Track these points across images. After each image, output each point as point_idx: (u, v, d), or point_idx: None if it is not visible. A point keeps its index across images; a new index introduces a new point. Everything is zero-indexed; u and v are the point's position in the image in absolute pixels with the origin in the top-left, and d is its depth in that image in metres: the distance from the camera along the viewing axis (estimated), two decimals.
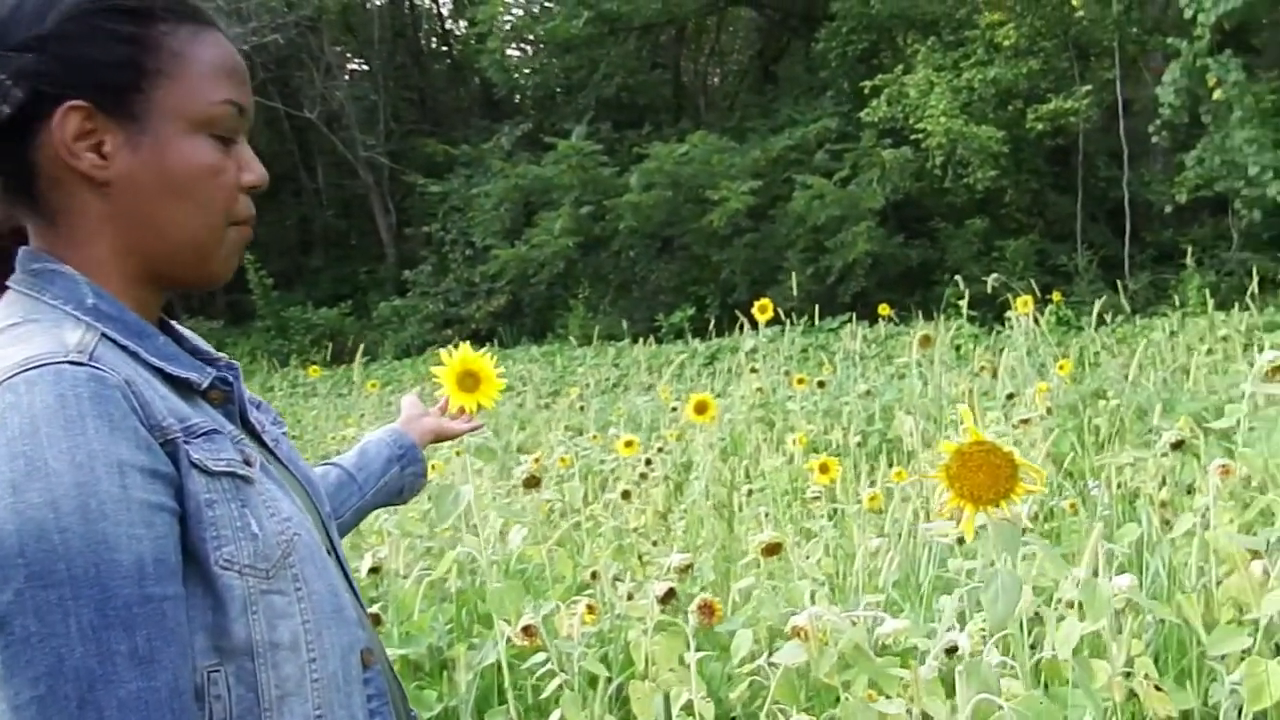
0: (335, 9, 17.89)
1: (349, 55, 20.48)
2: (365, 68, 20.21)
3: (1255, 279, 6.75)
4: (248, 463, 0.79)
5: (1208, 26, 9.64)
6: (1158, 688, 1.92)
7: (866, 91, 12.84)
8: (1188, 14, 9.74)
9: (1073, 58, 12.40)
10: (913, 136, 12.11)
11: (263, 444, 0.89)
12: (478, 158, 16.04)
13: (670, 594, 2.25)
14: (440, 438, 1.35)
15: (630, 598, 2.64)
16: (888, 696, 1.97)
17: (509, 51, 17.85)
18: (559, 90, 17.55)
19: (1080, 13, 11.83)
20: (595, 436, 5.20)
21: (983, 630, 1.81)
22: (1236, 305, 7.41)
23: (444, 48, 22.33)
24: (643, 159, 13.54)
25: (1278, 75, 11.26)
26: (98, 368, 0.71)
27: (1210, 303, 7.09)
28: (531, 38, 17.03)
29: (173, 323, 0.88)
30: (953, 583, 2.96)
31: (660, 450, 4.59)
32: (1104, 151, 12.71)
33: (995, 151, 11.45)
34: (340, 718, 0.80)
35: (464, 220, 15.27)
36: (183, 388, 0.80)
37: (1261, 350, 5.81)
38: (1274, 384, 2.44)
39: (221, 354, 0.91)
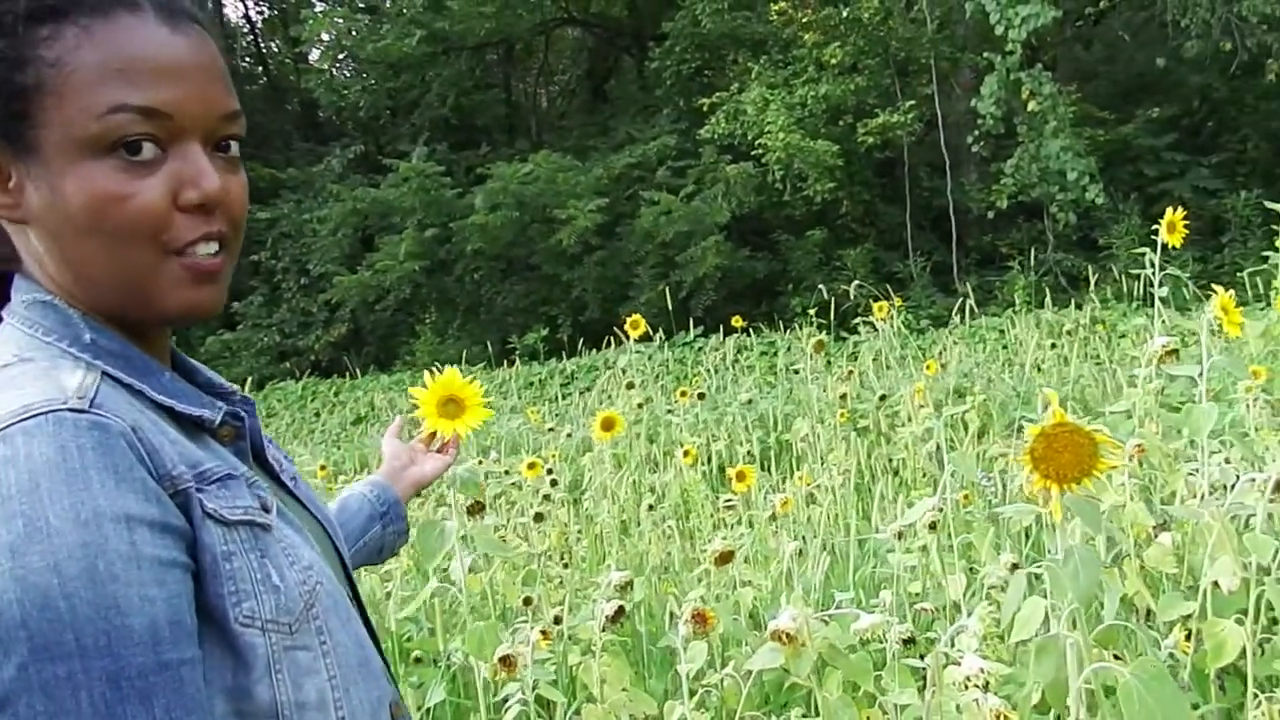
0: None
1: None
2: None
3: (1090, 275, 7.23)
4: (265, 509, 0.72)
5: (1018, 42, 10.43)
6: (1117, 656, 1.96)
7: (705, 109, 13.14)
8: (999, 30, 10.50)
9: (894, 74, 13.13)
10: (753, 152, 12.46)
11: (279, 483, 0.83)
12: (306, 181, 15.38)
13: (620, 613, 2.16)
14: (423, 487, 1.27)
15: (558, 620, 2.54)
16: (871, 694, 1.94)
17: (334, 71, 17.26)
18: (389, 111, 17.09)
19: (899, 31, 12.57)
20: (480, 460, 5.00)
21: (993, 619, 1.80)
22: (1056, 301, 8.02)
23: (259, 67, 21.36)
24: (484, 179, 13.35)
25: (1076, 89, 12.32)
26: (100, 415, 0.64)
27: (1046, 300, 7.58)
28: (357, 57, 16.46)
29: (183, 355, 0.82)
30: (886, 578, 3.00)
31: (549, 472, 4.46)
32: (926, 163, 13.50)
33: (831, 165, 11.94)
34: None
35: (297, 247, 14.58)
36: (191, 426, 0.73)
37: (1088, 341, 6.20)
38: (1176, 367, 2.55)
39: (235, 386, 0.83)
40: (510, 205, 12.80)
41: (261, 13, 21.36)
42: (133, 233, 0.68)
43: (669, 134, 13.86)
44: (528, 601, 2.63)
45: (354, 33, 15.60)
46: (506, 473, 4.39)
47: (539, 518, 3.47)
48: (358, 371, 12.05)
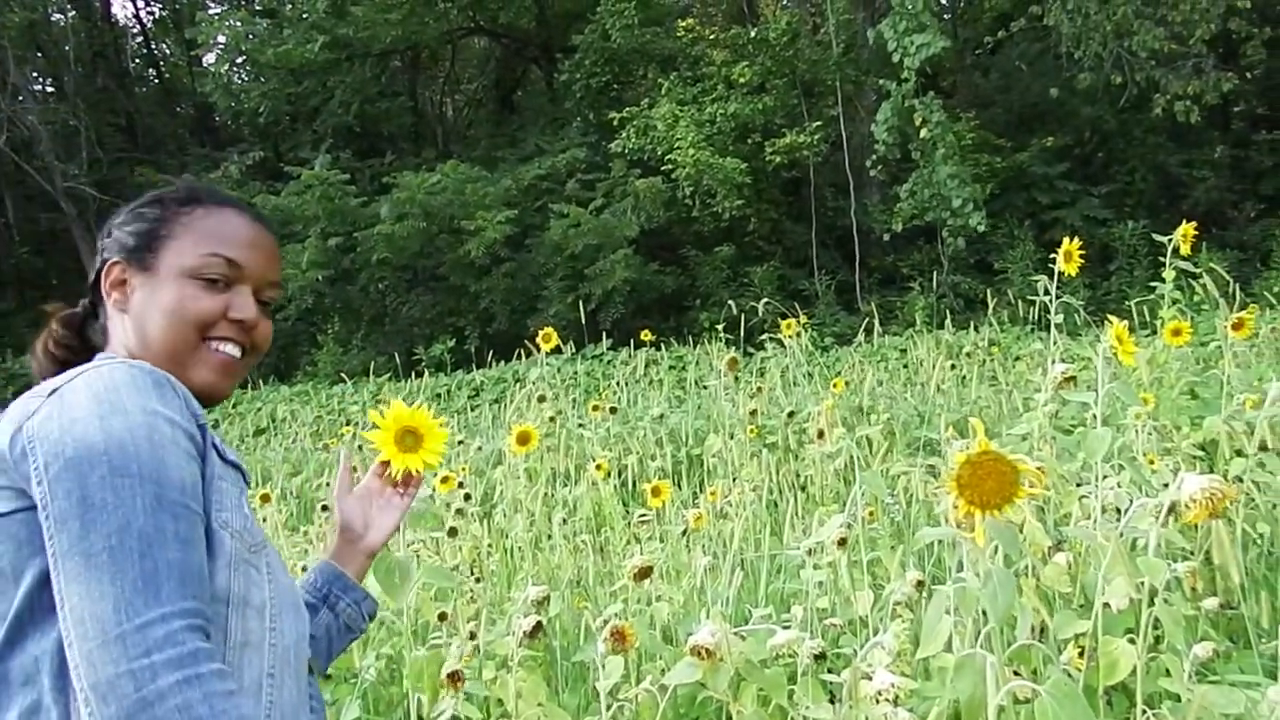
0: (17, 25, 15.89)
1: (38, 76, 18.28)
2: (59, 91, 18.13)
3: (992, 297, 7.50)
4: (247, 480, 1.07)
5: (913, 70, 10.80)
6: (1016, 673, 2.05)
7: (614, 123, 13.20)
8: (896, 58, 10.86)
9: (801, 95, 13.42)
10: (662, 167, 12.57)
11: None
12: None
13: (537, 628, 2.16)
14: (383, 543, 1.31)
15: (473, 636, 2.52)
16: (783, 708, 1.97)
17: (231, 75, 16.69)
18: (290, 117, 16.64)
19: (805, 53, 12.86)
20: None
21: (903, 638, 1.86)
22: (954, 323, 8.32)
23: (150, 69, 20.55)
24: (389, 188, 13.11)
25: (974, 115, 12.82)
26: (155, 370, 0.99)
27: (946, 321, 7.83)
28: (256, 62, 15.95)
29: None
30: (795, 593, 3.06)
31: (461, 485, 4.41)
32: (831, 183, 13.84)
33: (739, 182, 12.13)
34: (289, 686, 0.99)
35: None
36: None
37: (984, 363, 6.42)
38: (1073, 392, 2.68)
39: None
40: (417, 215, 12.60)
41: (152, 13, 20.57)
42: (194, 321, 1.08)
43: (578, 147, 13.87)
44: (443, 617, 2.60)
45: (252, 37, 15.11)
46: None
47: (452, 532, 3.43)
48: (258, 382, 11.67)
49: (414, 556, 3.24)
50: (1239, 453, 2.21)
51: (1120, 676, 1.81)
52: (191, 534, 0.91)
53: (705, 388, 7.46)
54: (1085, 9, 11.33)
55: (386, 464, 1.27)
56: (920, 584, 2.38)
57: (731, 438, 4.88)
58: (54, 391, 0.95)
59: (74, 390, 0.94)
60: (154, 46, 20.59)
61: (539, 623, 2.16)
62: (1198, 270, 3.26)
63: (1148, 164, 13.44)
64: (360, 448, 6.66)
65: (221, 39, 15.84)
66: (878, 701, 1.63)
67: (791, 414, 5.33)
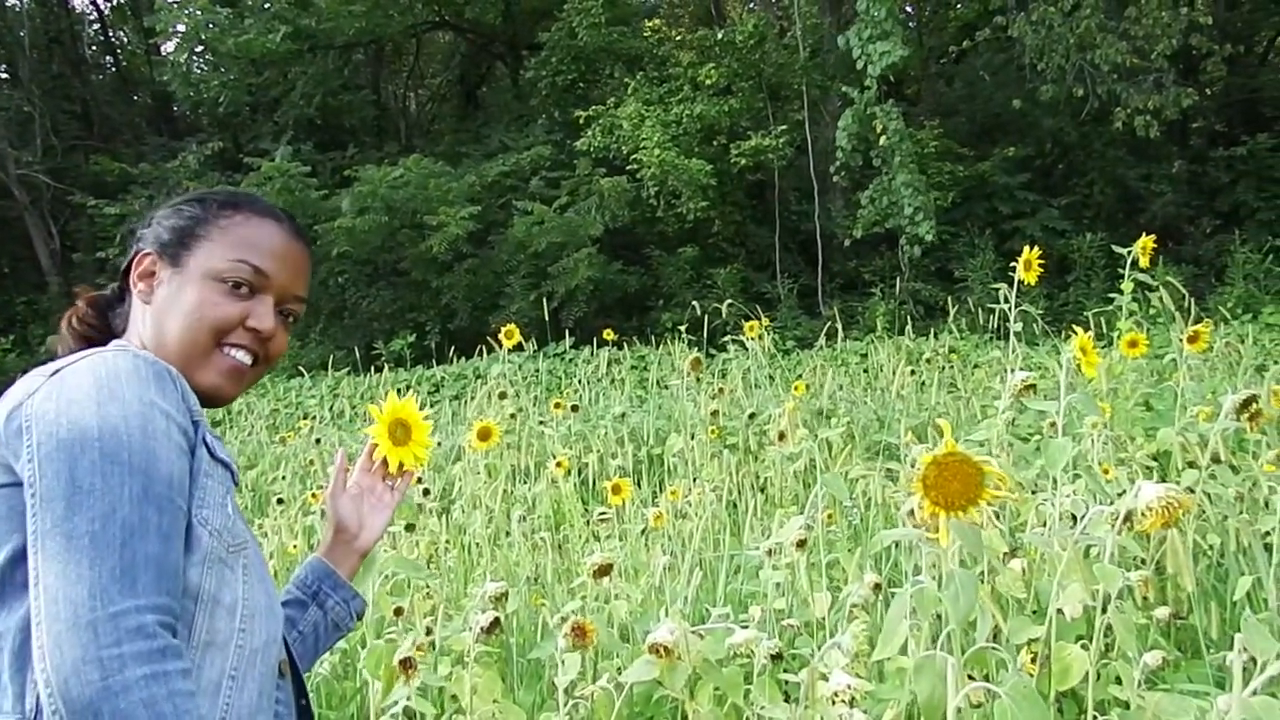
0: None
1: None
2: (13, 76, 17.69)
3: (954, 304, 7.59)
4: (235, 478, 1.06)
5: (875, 78, 10.89)
6: (971, 677, 2.07)
7: (580, 121, 13.16)
8: (859, 65, 10.95)
9: (767, 99, 13.47)
10: (627, 167, 12.55)
11: None
12: (160, 177, 14.53)
13: (495, 624, 2.14)
14: (375, 542, 1.32)
15: (429, 631, 2.50)
16: (738, 707, 1.97)
17: (190, 65, 16.37)
18: (250, 108, 16.36)
19: (772, 56, 12.91)
20: (348, 470, 4.84)
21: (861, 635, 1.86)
22: (915, 329, 8.39)
23: (108, 57, 20.12)
24: (351, 182, 12.95)
25: (938, 124, 12.95)
26: (158, 361, 1.00)
27: (906, 327, 7.91)
28: (216, 51, 15.65)
29: None
30: (753, 594, 3.06)
31: (419, 480, 4.37)
32: (795, 187, 13.91)
33: (704, 184, 12.15)
34: (249, 689, 0.98)
35: None
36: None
37: (944, 370, 6.50)
38: (1034, 401, 2.71)
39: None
40: (379, 209, 12.46)
41: (110, 0, 20.15)
42: (211, 325, 1.08)
43: (543, 144, 13.80)
44: (398, 612, 2.57)
45: (213, 26, 14.81)
46: None
47: (410, 527, 3.39)
48: None
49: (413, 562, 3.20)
50: (1191, 464, 2.24)
51: (1072, 682, 1.83)
52: (173, 529, 0.91)
53: (667, 388, 7.46)
54: (1049, 21, 11.49)
55: (382, 462, 1.29)
56: (877, 587, 2.39)
57: (693, 438, 4.89)
58: (56, 372, 0.96)
59: (76, 373, 0.95)
60: (111, 34, 20.14)
61: (496, 619, 2.15)
62: (1155, 283, 3.31)
63: (1107, 177, 13.66)
64: (318, 441, 6.57)
65: (181, 27, 15.51)
66: (834, 702, 1.63)
67: (753, 416, 5.35)
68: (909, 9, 15.01)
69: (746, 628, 1.97)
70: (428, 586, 3.21)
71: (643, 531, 3.73)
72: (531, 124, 15.01)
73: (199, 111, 16.49)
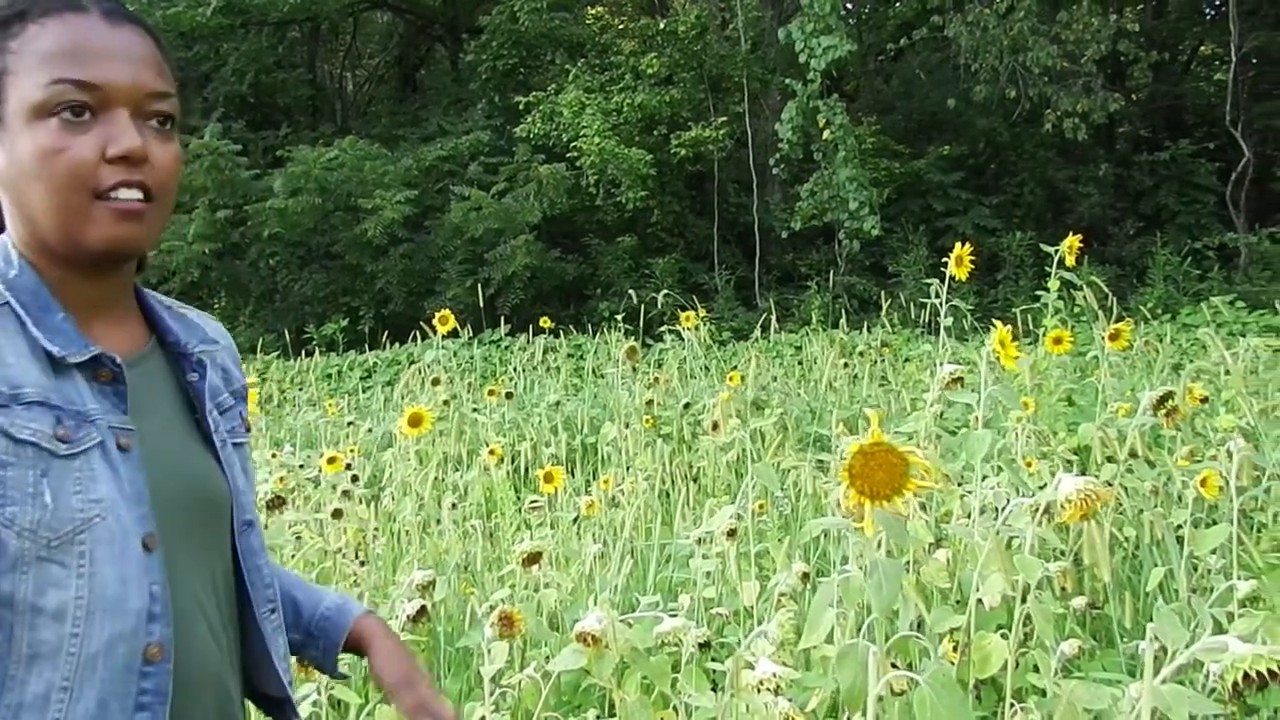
0: None
1: None
2: None
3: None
4: (62, 440, 0.82)
5: (819, 72, 11.00)
6: (894, 665, 2.10)
7: (520, 107, 13.04)
8: (802, 59, 11.04)
9: (708, 90, 13.50)
10: (567, 154, 12.48)
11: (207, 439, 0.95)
12: None
13: (422, 613, 2.12)
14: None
15: None
16: (666, 695, 1.97)
17: None
18: (178, 82, 15.82)
19: (714, 47, 12.94)
20: (275, 455, 4.73)
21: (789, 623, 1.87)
22: (849, 322, 8.51)
23: None
24: (284, 162, 12.66)
25: (875, 120, 13.12)
26: None
27: (841, 320, 8.01)
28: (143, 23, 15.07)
29: (159, 305, 0.99)
30: (683, 583, 3.07)
31: (349, 467, 4.29)
32: (734, 179, 13.98)
33: (644, 174, 12.14)
34: (88, 698, 0.83)
35: None
36: (59, 361, 0.84)
37: (876, 363, 6.60)
38: (958, 394, 2.75)
39: (197, 350, 0.98)
40: (312, 191, 12.18)
41: None
42: (68, 178, 0.84)
43: (482, 129, 13.65)
44: None
45: None
46: (301, 466, 4.17)
47: (337, 514, 3.32)
48: None
49: (294, 538, 3.13)
50: (1110, 459, 2.30)
51: (992, 670, 1.87)
52: None
53: (602, 377, 7.44)
54: (984, 23, 11.72)
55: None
56: (805, 576, 2.41)
57: (627, 427, 4.88)
58: None
59: None
60: None
61: (423, 607, 2.12)
62: (1080, 282, 3.39)
63: (1037, 177, 14.01)
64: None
65: None
66: (759, 690, 1.63)
67: (688, 406, 5.37)
68: (849, 5, 15.17)
69: (675, 616, 1.97)
70: (355, 575, 3.16)
71: (575, 520, 3.72)
72: (471, 109, 14.83)
73: None
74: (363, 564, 3.37)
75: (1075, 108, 11.69)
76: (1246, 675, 0.99)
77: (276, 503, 2.09)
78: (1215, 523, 1.84)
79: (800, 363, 8.16)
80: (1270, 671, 0.98)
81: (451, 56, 17.14)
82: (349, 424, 5.81)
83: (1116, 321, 3.18)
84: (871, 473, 1.13)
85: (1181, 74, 16.43)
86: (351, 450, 4.85)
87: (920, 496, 2.33)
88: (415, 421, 3.41)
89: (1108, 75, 13.12)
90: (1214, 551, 1.88)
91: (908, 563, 2.43)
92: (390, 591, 2.91)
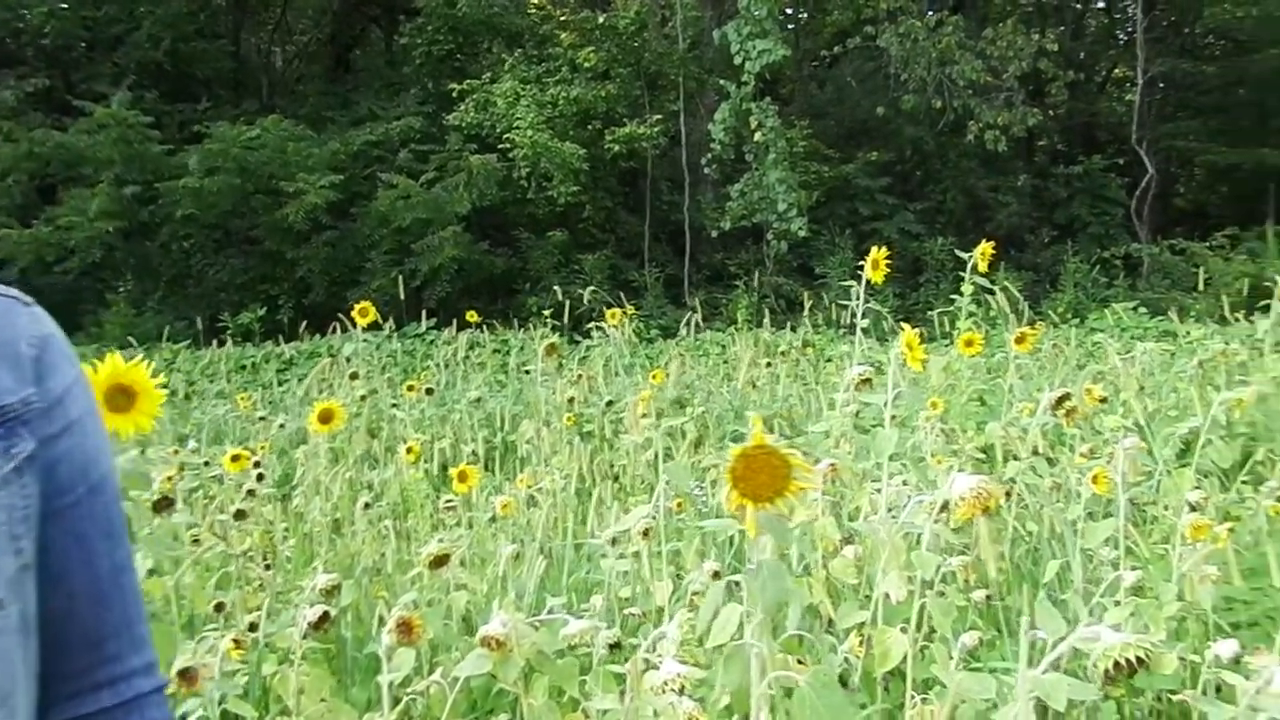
0: None
1: None
2: None
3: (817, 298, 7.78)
4: None
5: (753, 74, 11.10)
6: (800, 661, 2.11)
7: (454, 95, 12.86)
8: (738, 61, 11.13)
9: (644, 87, 13.51)
10: (499, 145, 12.35)
11: None
12: None
13: (324, 618, 2.04)
14: None
15: (254, 628, 2.36)
16: (575, 699, 1.95)
17: None
18: (85, 45, 14.94)
19: (652, 45, 12.95)
20: (175, 450, 4.56)
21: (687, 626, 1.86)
22: (774, 322, 8.60)
23: None
24: (200, 138, 12.20)
25: (808, 124, 13.29)
26: None
27: (766, 320, 8.08)
28: None
29: None
30: (599, 583, 3.04)
31: (256, 465, 4.15)
32: (667, 177, 14.02)
33: (576, 168, 12.08)
34: None
35: None
36: None
37: (798, 363, 6.67)
38: (867, 394, 2.78)
39: None
40: (231, 171, 11.78)
41: None
42: None
43: (414, 115, 13.39)
44: (219, 607, 2.41)
45: None
46: (207, 464, 4.02)
47: (240, 515, 3.20)
48: None
49: (190, 541, 3.01)
50: (1014, 456, 2.35)
51: (893, 664, 1.89)
52: None
53: (528, 373, 7.37)
54: (915, 35, 11.99)
55: None
56: (717, 574, 2.41)
57: (548, 425, 4.83)
58: None
59: None
60: None
61: (325, 613, 2.05)
62: (994, 287, 3.47)
63: (959, 185, 14.38)
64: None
65: None
66: (664, 691, 1.62)
67: (610, 403, 5.34)
68: (787, 10, 15.34)
69: (583, 618, 1.95)
70: (260, 579, 3.05)
71: (491, 519, 3.66)
72: (403, 93, 14.54)
73: (21, 41, 14.91)
74: (268, 568, 3.27)
75: (997, 120, 12.04)
76: (1117, 663, 1.02)
77: (164, 504, 2.00)
78: (1111, 516, 1.90)
79: (726, 361, 8.21)
80: (1138, 659, 1.01)
81: (386, 38, 16.79)
82: (261, 419, 5.64)
83: (1029, 325, 3.26)
84: (754, 475, 1.13)
85: (1096, 94, 17.07)
86: (262, 447, 4.70)
87: (827, 498, 2.34)
88: (326, 417, 3.30)
89: (1028, 91, 13.54)
90: (1107, 543, 1.94)
91: (819, 560, 2.45)
92: (294, 596, 2.82)
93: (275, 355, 9.68)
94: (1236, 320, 6.22)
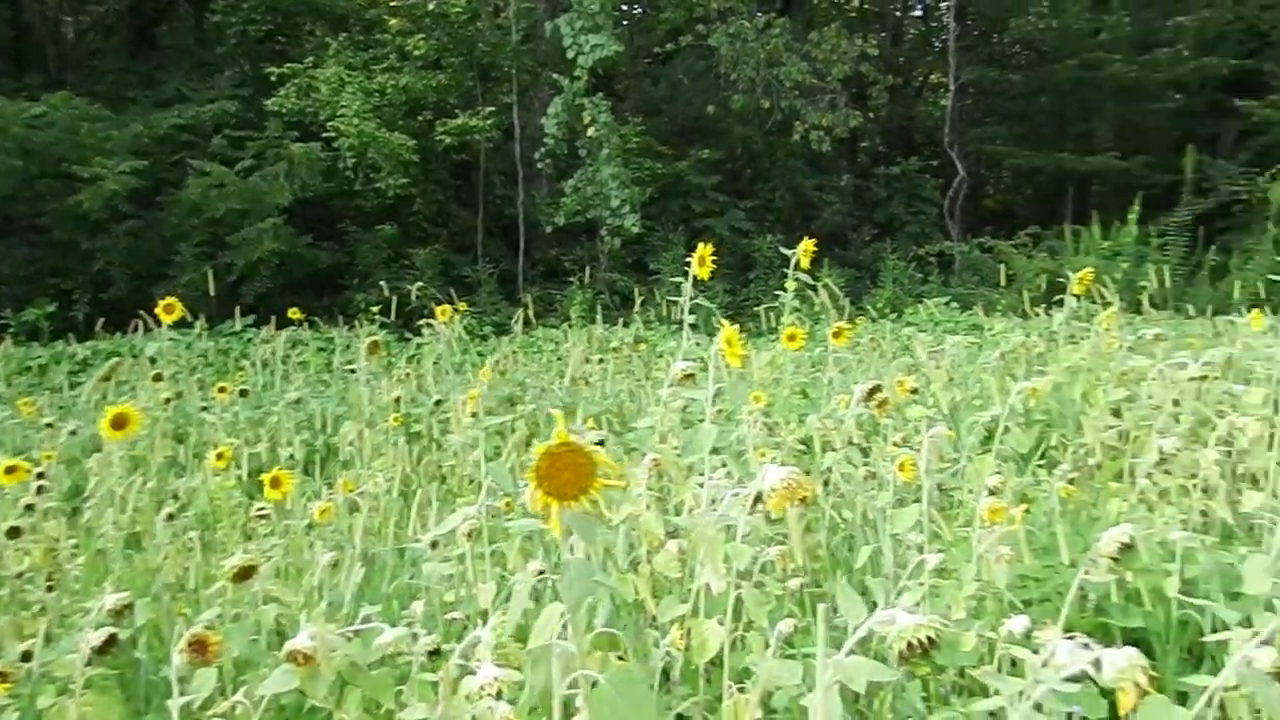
0: None
1: None
2: None
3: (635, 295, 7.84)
4: None
5: (585, 69, 11.09)
6: (621, 657, 2.09)
7: (273, 79, 12.22)
8: (570, 54, 11.09)
9: (477, 78, 13.26)
10: (324, 134, 11.83)
11: None
12: None
13: (111, 642, 1.88)
14: None
15: (27, 658, 2.15)
16: (392, 711, 1.86)
17: None
18: None
19: (485, 34, 12.73)
20: None
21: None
22: (608, 318, 8.62)
23: None
24: None
25: (642, 121, 13.41)
26: None
27: (597, 317, 8.09)
28: None
29: None
30: (421, 589, 2.93)
31: (40, 476, 3.79)
32: (501, 171, 13.83)
33: (406, 160, 11.74)
34: None
35: None
36: None
37: (630, 359, 6.73)
38: (690, 389, 2.79)
39: None
40: (11, 151, 10.72)
41: None
42: None
43: (229, 99, 12.65)
44: None
45: None
46: None
47: (14, 532, 2.88)
48: None
49: None
50: (832, 447, 2.42)
51: (710, 655, 1.90)
52: None
53: (353, 372, 7.08)
54: (744, 35, 12.31)
55: None
56: (543, 574, 2.35)
57: (371, 426, 4.64)
58: None
59: None
60: None
61: (114, 635, 1.87)
62: (816, 284, 3.57)
63: (786, 184, 14.90)
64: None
65: None
66: (481, 696, 1.56)
67: (439, 402, 5.19)
68: (622, 6, 15.43)
69: (410, 625, 1.86)
70: (41, 602, 2.78)
71: (309, 527, 3.47)
72: (217, 75, 13.69)
73: None
74: (51, 589, 2.97)
75: (821, 121, 12.53)
76: (910, 643, 1.06)
77: None
78: (919, 502, 1.98)
79: (559, 358, 8.16)
80: (929, 639, 1.05)
81: (196, 15, 15.73)
82: (48, 425, 5.15)
83: (850, 320, 3.36)
84: (558, 474, 1.12)
85: (913, 98, 18.07)
86: (47, 457, 4.29)
87: (653, 493, 2.34)
88: (120, 423, 3.01)
89: (851, 94, 14.17)
90: (915, 528, 2.01)
91: (638, 556, 2.44)
92: (79, 620, 2.57)
93: (67, 356, 8.88)
94: (1036, 314, 6.69)
